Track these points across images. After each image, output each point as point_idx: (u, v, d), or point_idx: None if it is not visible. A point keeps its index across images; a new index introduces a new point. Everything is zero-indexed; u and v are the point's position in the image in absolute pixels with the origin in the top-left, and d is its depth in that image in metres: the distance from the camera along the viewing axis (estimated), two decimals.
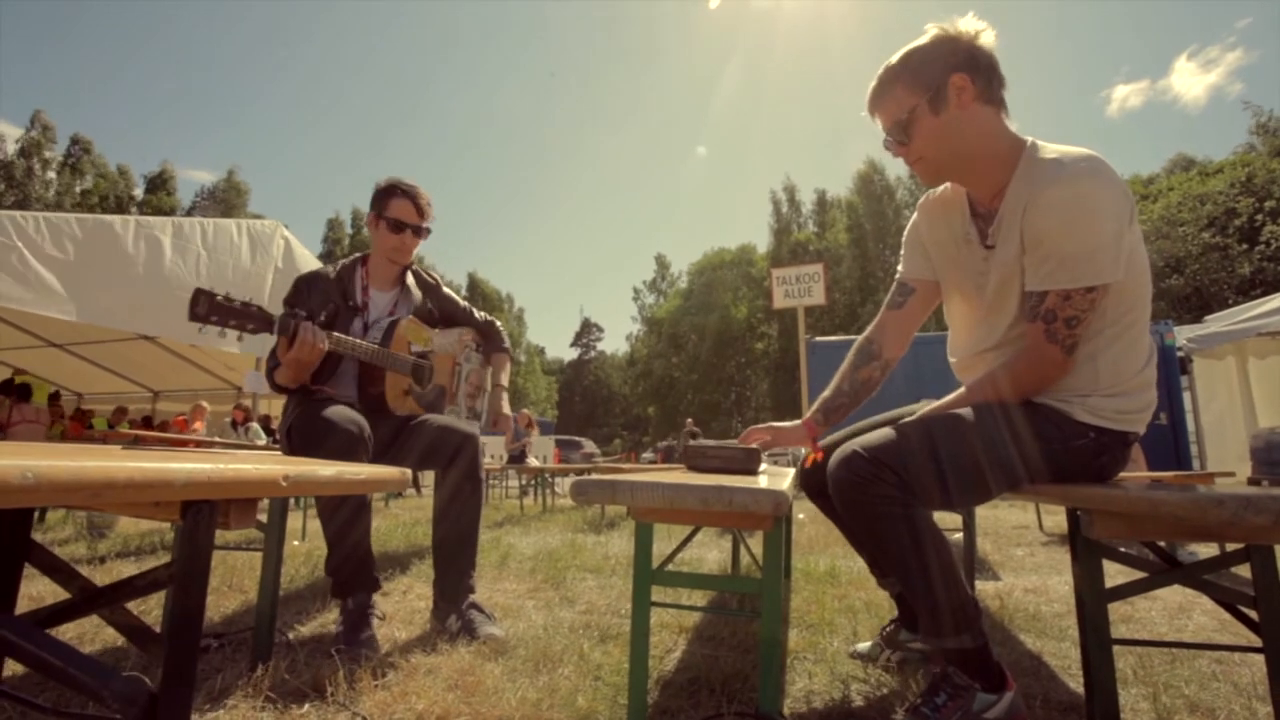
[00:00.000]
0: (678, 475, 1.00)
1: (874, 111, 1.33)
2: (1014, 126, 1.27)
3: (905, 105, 1.25)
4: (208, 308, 1.56)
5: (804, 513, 4.94)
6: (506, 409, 2.33)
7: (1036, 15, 71.52)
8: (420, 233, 2.09)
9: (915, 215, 1.50)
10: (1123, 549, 1.13)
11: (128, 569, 2.66)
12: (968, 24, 1.23)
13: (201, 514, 0.56)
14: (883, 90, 1.29)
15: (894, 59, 1.28)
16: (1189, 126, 60.75)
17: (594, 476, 0.86)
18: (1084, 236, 1.12)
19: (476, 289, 45.57)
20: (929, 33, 1.25)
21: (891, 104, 1.28)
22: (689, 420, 14.11)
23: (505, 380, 2.35)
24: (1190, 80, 62.62)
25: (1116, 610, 2.17)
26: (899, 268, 1.54)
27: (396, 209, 2.04)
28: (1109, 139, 66.54)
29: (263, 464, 0.61)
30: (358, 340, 1.89)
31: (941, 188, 1.44)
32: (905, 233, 1.53)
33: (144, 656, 1.51)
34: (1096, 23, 69.08)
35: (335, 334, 1.82)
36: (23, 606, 0.71)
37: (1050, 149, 1.21)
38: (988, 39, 1.23)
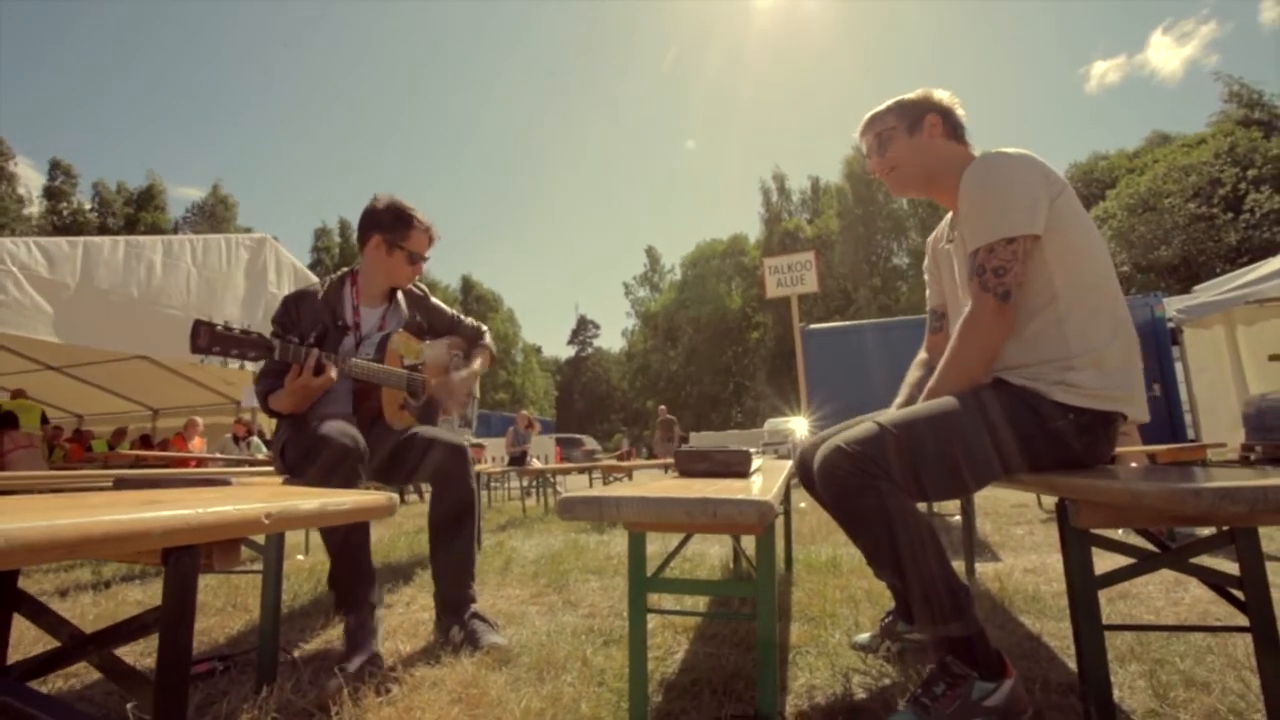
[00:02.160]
0: (665, 486, 1.00)
1: (863, 135, 1.60)
2: (977, 152, 1.49)
3: (887, 125, 1.55)
4: (209, 339, 1.55)
5: (805, 501, 4.96)
6: (463, 380, 2.26)
7: None
8: (424, 261, 2.16)
9: (927, 255, 1.74)
10: (1122, 531, 1.15)
11: (133, 593, 2.66)
12: (947, 96, 1.54)
13: (183, 559, 0.56)
14: (873, 118, 1.58)
15: (887, 102, 1.57)
16: (1168, 100, 60.60)
17: (580, 494, 0.86)
18: (994, 195, 1.29)
19: (471, 291, 45.47)
20: (917, 92, 1.55)
21: (878, 125, 1.57)
22: (662, 407, 13.87)
23: (478, 366, 2.33)
24: (1167, 54, 62.43)
25: (1114, 587, 2.19)
26: (928, 301, 1.76)
27: (415, 242, 2.08)
28: (1090, 116, 66.48)
29: (244, 503, 0.61)
30: (364, 362, 1.91)
31: (940, 225, 1.66)
32: (925, 270, 1.76)
33: None
34: None
35: (350, 359, 1.83)
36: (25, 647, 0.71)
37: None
38: (960, 111, 1.53)
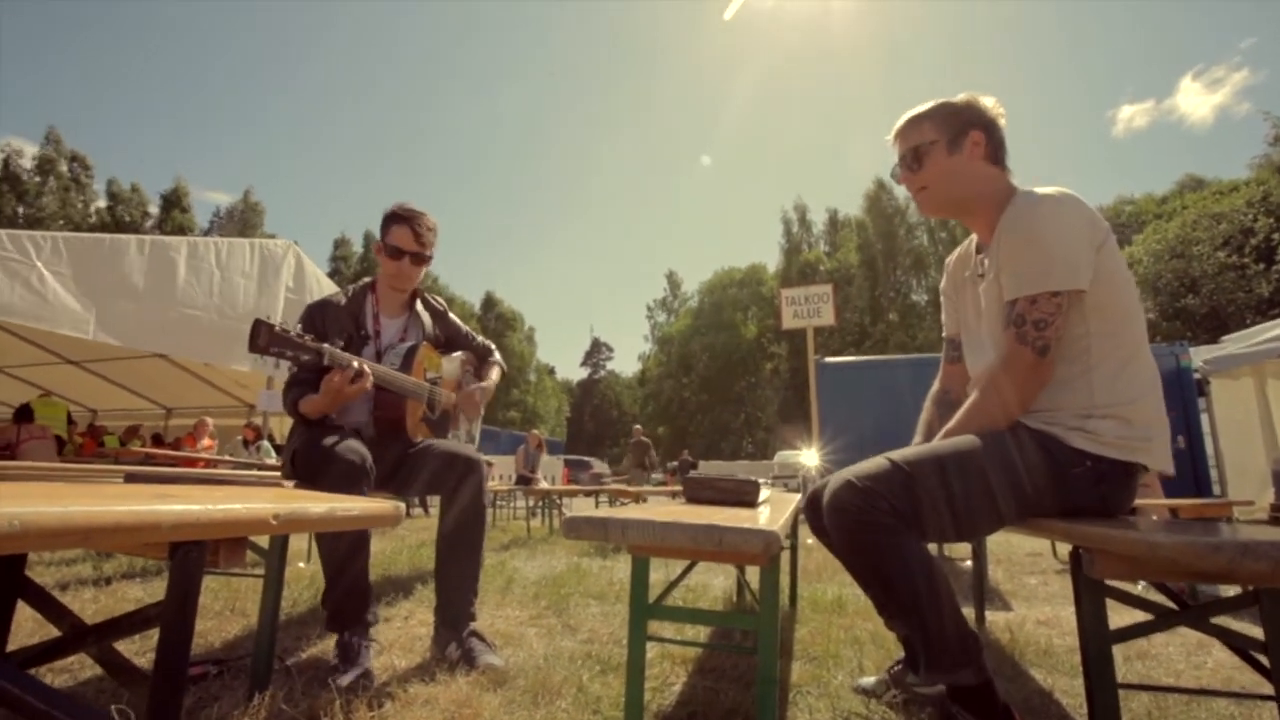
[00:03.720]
0: (672, 511, 1.00)
1: (897, 138, 1.50)
2: (1015, 182, 1.42)
3: (926, 137, 1.43)
4: (268, 339, 1.58)
5: (813, 537, 4.88)
6: (482, 393, 2.28)
7: (1039, 35, 71.73)
8: (420, 260, 2.07)
9: (944, 277, 1.66)
10: (1141, 585, 1.11)
11: (133, 590, 2.67)
12: (993, 104, 1.44)
13: (190, 554, 0.56)
14: (911, 124, 1.47)
15: (929, 104, 1.47)
16: (1196, 146, 60.42)
17: (586, 514, 0.85)
18: (1044, 245, 1.23)
19: (492, 308, 45.89)
20: (962, 96, 1.46)
21: (914, 134, 1.45)
22: (637, 427, 12.79)
23: (494, 379, 2.36)
24: (1196, 100, 62.38)
25: (1132, 645, 2.11)
26: (944, 328, 1.69)
27: (396, 236, 2.04)
28: (1116, 160, 66.37)
29: (253, 502, 0.61)
30: (397, 373, 1.92)
31: (961, 246, 1.60)
32: (942, 292, 1.68)
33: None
34: (1100, 42, 69.09)
35: (377, 367, 1.84)
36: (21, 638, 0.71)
37: (1032, 189, 1.32)
38: (1003, 122, 1.45)
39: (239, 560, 0.63)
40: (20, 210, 30.61)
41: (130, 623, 0.60)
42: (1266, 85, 52.85)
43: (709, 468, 19.89)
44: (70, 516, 0.44)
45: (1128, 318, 1.26)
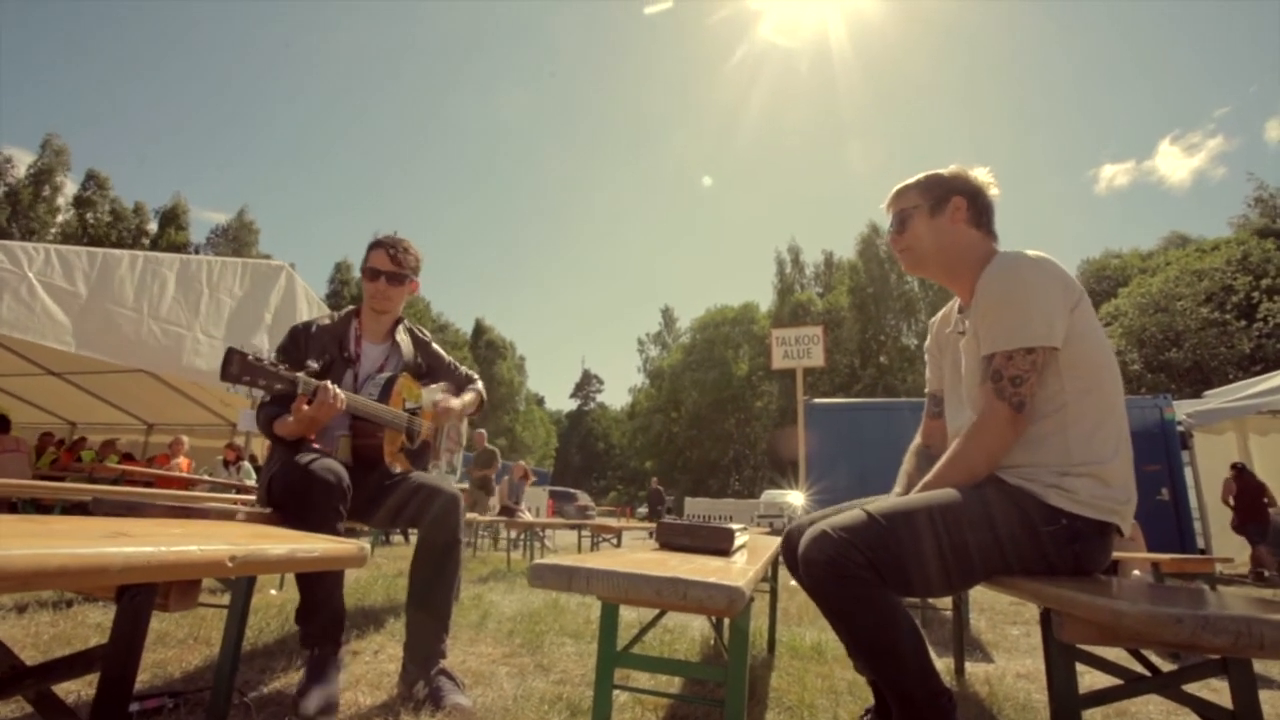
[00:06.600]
0: (640, 560, 0.99)
1: (889, 206, 1.59)
2: (1000, 247, 1.47)
3: (911, 203, 1.52)
4: (240, 368, 1.58)
5: (796, 579, 4.82)
6: (450, 405, 2.21)
7: (1021, 93, 74.33)
8: (396, 280, 2.10)
9: (929, 337, 1.71)
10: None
11: (94, 615, 2.59)
12: (982, 174, 1.51)
13: (138, 597, 0.55)
14: (900, 192, 1.56)
15: (919, 175, 1.55)
16: (1176, 206, 62.44)
17: (551, 561, 0.84)
18: (1017, 304, 1.27)
19: (482, 335, 45.90)
20: (951, 167, 1.53)
21: (901, 201, 1.55)
22: (479, 432, 11.23)
23: (465, 401, 2.28)
24: (1175, 163, 64.78)
25: (1110, 704, 2.09)
26: (927, 384, 1.73)
27: (373, 259, 2.11)
28: (1098, 217, 68.20)
29: (210, 543, 0.60)
30: (374, 403, 1.93)
31: (945, 307, 1.66)
32: (926, 350, 1.73)
33: None
34: (1080, 103, 71.76)
35: (355, 397, 1.85)
36: None
37: (1010, 251, 1.37)
38: (993, 191, 1.51)
39: (190, 602, 0.61)
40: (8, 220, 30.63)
41: (71, 666, 0.58)
42: (1239, 152, 54.89)
43: (694, 505, 19.69)
44: (11, 560, 0.43)
45: (1102, 377, 1.28)
